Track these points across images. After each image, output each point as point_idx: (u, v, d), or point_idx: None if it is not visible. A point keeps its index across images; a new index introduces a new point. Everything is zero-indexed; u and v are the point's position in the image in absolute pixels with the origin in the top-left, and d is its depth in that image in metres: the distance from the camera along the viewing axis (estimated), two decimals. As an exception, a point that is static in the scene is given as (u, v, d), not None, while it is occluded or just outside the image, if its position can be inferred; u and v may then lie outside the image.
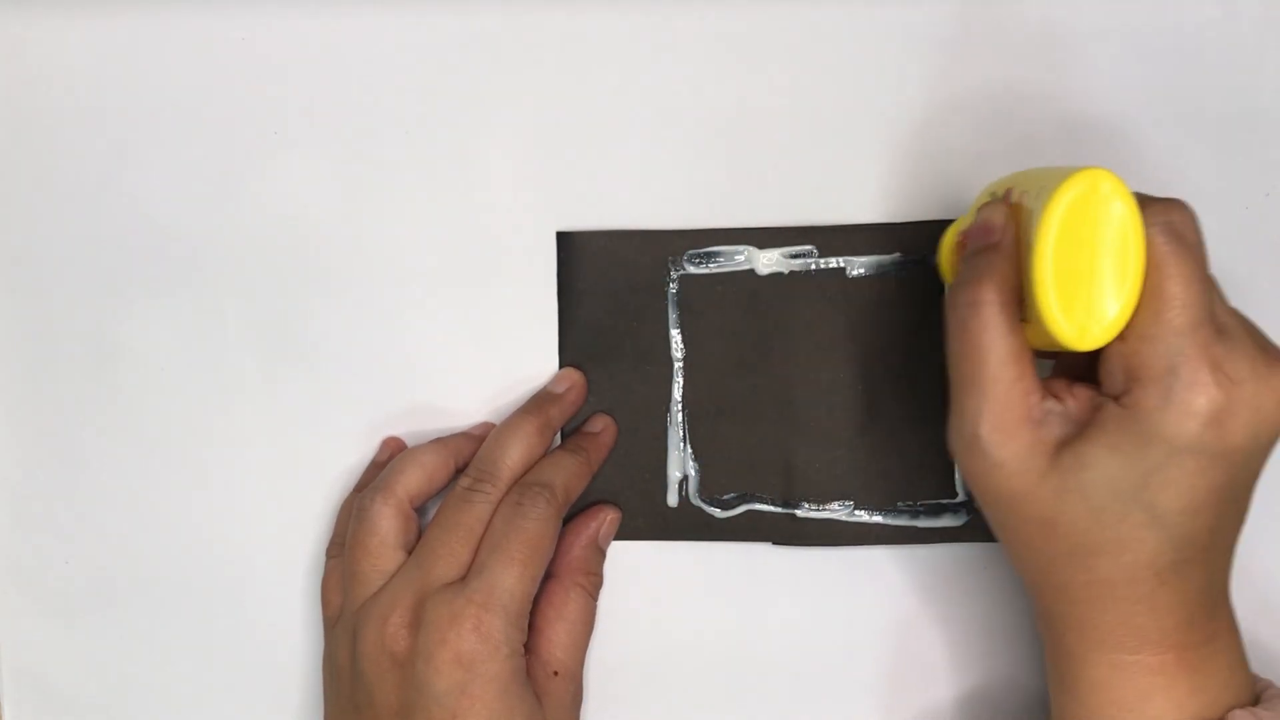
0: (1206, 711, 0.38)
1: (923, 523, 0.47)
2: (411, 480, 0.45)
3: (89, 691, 0.50)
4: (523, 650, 0.42)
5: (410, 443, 0.48)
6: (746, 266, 0.47)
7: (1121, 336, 0.36)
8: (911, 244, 0.46)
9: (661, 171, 0.47)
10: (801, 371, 0.47)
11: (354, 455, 0.49)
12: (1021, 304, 0.37)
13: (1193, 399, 0.35)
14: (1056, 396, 0.37)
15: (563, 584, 0.45)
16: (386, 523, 0.44)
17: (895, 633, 0.48)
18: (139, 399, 0.49)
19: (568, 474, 0.45)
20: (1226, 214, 0.46)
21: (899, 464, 0.47)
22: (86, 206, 0.48)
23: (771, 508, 0.47)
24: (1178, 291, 0.35)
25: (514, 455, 0.45)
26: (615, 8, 0.47)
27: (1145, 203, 0.36)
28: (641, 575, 0.48)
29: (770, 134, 0.47)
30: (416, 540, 0.45)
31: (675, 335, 0.47)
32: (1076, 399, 0.37)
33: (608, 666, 0.48)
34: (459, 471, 0.46)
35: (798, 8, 0.46)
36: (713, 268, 0.47)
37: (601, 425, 0.47)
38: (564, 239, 0.47)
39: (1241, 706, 0.38)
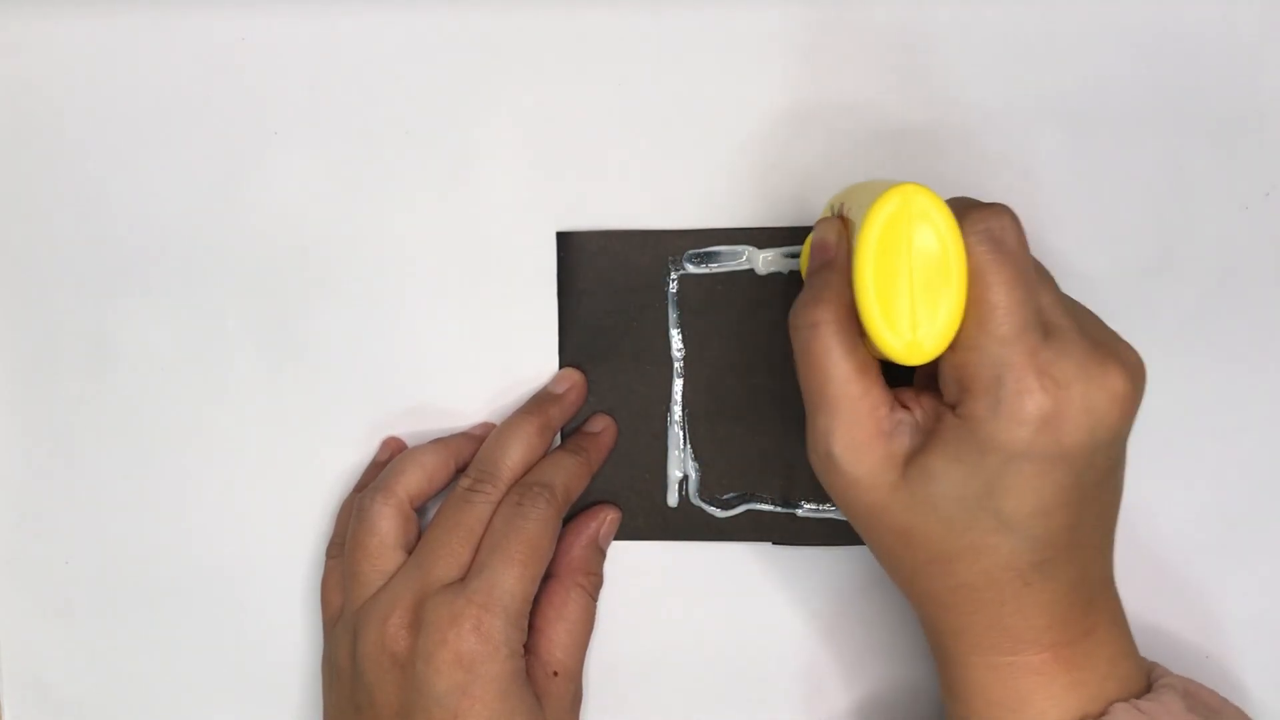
0: (1088, 706, 0.38)
1: (923, 522, 0.47)
2: (411, 480, 0.45)
3: (89, 691, 0.50)
4: (523, 651, 0.42)
5: (410, 443, 0.48)
6: (746, 266, 0.47)
7: (951, 347, 0.36)
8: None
9: (661, 171, 0.47)
10: (801, 371, 0.47)
11: (354, 455, 0.49)
12: None
13: (1020, 406, 0.35)
14: (906, 406, 0.38)
15: (563, 584, 0.45)
16: (386, 523, 0.44)
17: (895, 632, 0.48)
18: (139, 399, 0.49)
19: (568, 474, 0.45)
20: (1226, 214, 0.46)
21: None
22: (86, 206, 0.48)
23: (771, 507, 0.47)
24: (1000, 299, 0.35)
25: (514, 455, 0.45)
26: (615, 8, 0.47)
27: (964, 210, 0.36)
28: (641, 575, 0.48)
29: (770, 134, 0.47)
30: (417, 540, 0.45)
31: (675, 335, 0.47)
32: (923, 408, 0.38)
33: (608, 666, 0.48)
34: (459, 472, 0.46)
35: (798, 7, 0.46)
36: (713, 268, 0.47)
37: (602, 425, 0.47)
38: (564, 239, 0.47)
39: (1124, 699, 0.38)
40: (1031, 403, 0.35)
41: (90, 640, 0.50)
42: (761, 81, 0.47)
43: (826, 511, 0.47)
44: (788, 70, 0.47)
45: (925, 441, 0.37)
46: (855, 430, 0.37)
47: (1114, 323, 0.46)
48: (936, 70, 0.46)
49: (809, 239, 0.43)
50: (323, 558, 0.48)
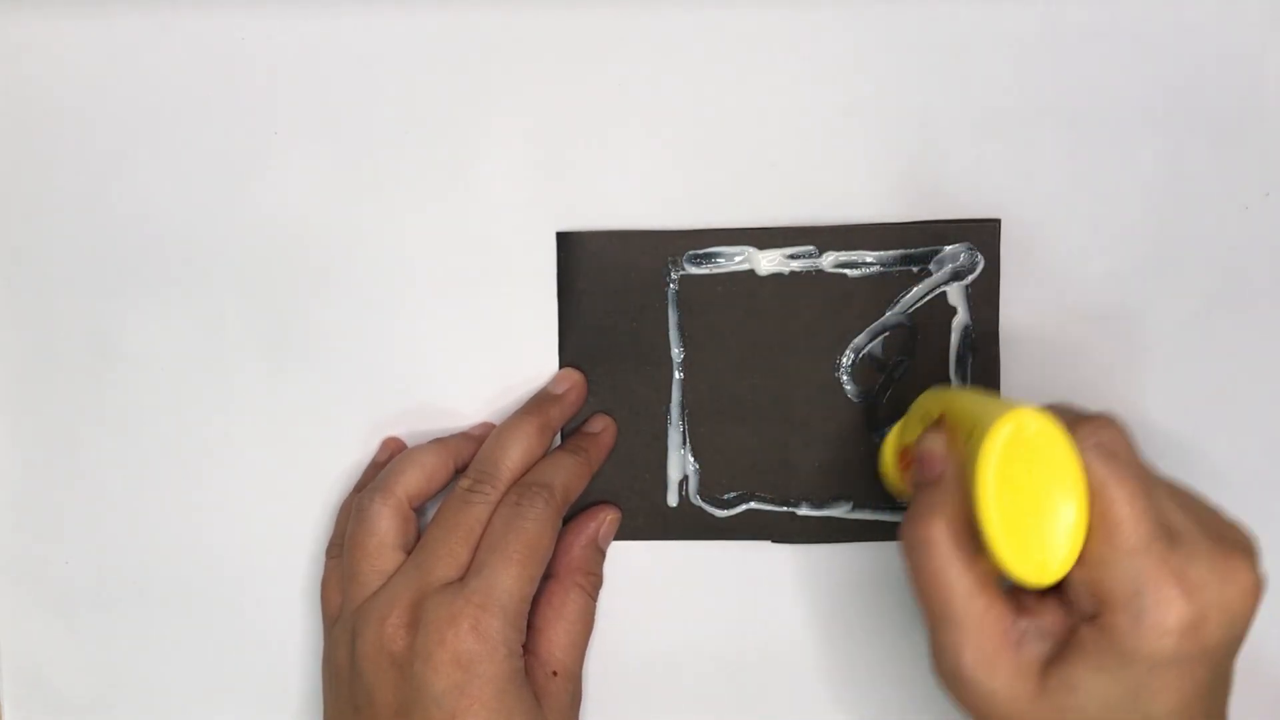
0: None
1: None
2: (411, 480, 0.45)
3: (89, 691, 0.50)
4: (521, 650, 0.42)
5: (410, 443, 0.48)
6: (746, 267, 0.46)
7: (1080, 562, 0.36)
8: (912, 243, 0.46)
9: (661, 171, 0.47)
10: (801, 371, 0.47)
11: (354, 455, 0.49)
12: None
13: (1164, 617, 0.35)
14: (1029, 612, 0.38)
15: (562, 584, 0.45)
16: (385, 523, 0.44)
17: (895, 630, 0.48)
18: (139, 399, 0.49)
19: (567, 474, 0.45)
20: (1226, 214, 0.46)
21: (899, 463, 0.47)
22: (87, 206, 0.48)
23: (771, 507, 0.47)
24: (1124, 513, 0.35)
25: (514, 456, 0.45)
26: (615, 8, 0.47)
27: (1074, 425, 0.37)
28: (641, 575, 0.48)
29: (770, 134, 0.47)
30: (415, 541, 0.45)
31: (675, 336, 0.47)
32: (1050, 612, 0.38)
33: (608, 666, 0.48)
34: (459, 472, 0.46)
35: (798, 8, 0.46)
36: (713, 268, 0.47)
37: (602, 425, 0.47)
38: (564, 239, 0.47)
39: None
40: (1174, 612, 0.35)
41: (90, 640, 0.50)
42: (762, 81, 0.47)
43: (826, 511, 0.47)
44: (789, 70, 0.47)
45: (1062, 652, 0.37)
46: (984, 644, 0.37)
47: (1115, 323, 0.46)
48: (936, 70, 0.46)
49: (887, 443, 0.44)
50: (323, 558, 0.48)
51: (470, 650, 0.41)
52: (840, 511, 0.47)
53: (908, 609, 0.48)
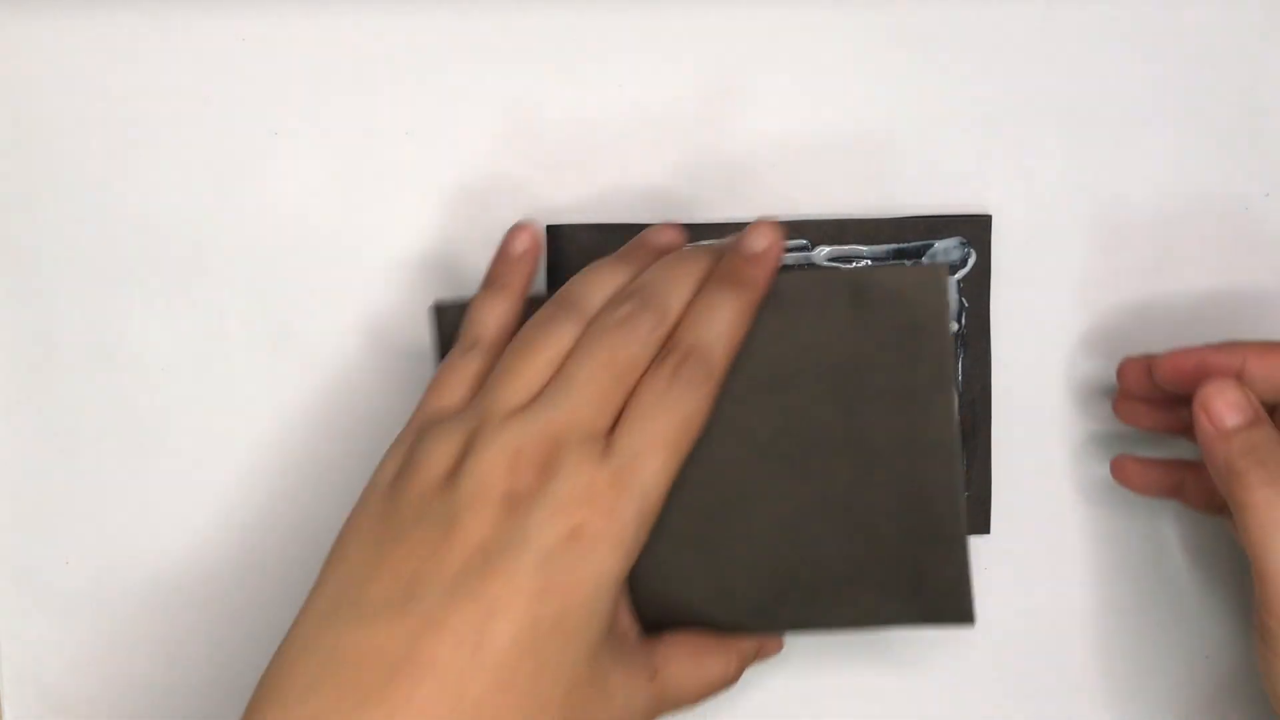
0: None
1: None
2: (597, 303, 0.40)
3: (89, 691, 0.50)
4: (635, 556, 0.38)
5: None
6: (738, 261, 0.46)
7: None
8: (904, 238, 0.46)
9: (653, 165, 0.47)
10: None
11: (354, 455, 0.48)
12: None
13: None
14: None
15: (727, 653, 0.42)
16: (567, 337, 0.39)
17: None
18: (139, 399, 0.49)
19: (730, 331, 0.39)
20: (1226, 214, 0.46)
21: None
22: (86, 206, 0.48)
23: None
24: None
25: (682, 294, 0.40)
26: (611, 6, 0.47)
27: None
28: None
29: (762, 127, 0.47)
30: None
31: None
32: None
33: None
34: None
35: (798, 8, 0.46)
36: (704, 262, 0.46)
37: (769, 240, 0.40)
38: (554, 232, 0.47)
39: None
40: None
41: (90, 640, 0.50)
42: (755, 76, 0.47)
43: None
44: (781, 65, 0.47)
45: None
46: None
47: (1114, 323, 0.46)
48: (936, 70, 0.46)
49: None
50: (322, 558, 0.47)
51: (595, 532, 0.36)
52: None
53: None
